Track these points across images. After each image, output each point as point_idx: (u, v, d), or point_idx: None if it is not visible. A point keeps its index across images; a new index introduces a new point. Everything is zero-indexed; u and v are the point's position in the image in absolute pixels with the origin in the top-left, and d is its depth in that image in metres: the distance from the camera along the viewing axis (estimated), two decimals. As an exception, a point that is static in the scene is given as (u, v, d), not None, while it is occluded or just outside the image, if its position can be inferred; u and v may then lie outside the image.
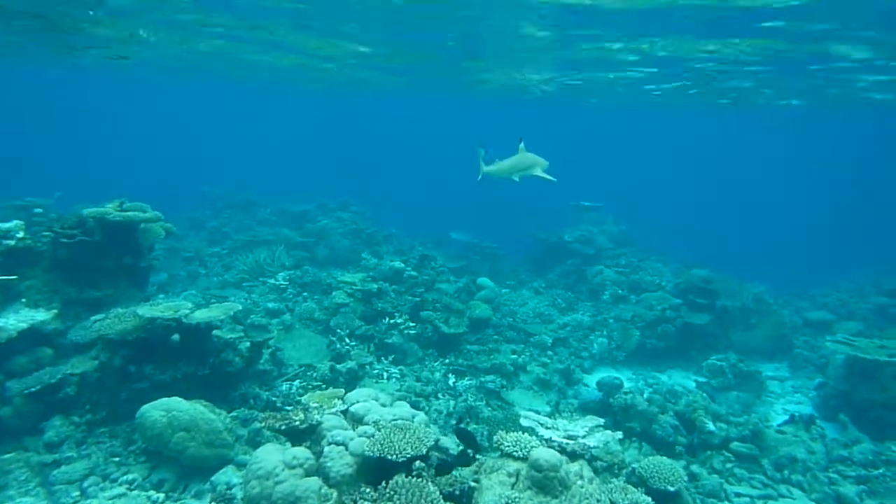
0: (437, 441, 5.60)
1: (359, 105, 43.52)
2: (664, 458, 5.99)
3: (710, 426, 7.89)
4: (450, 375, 10.01)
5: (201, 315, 7.59)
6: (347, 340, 10.05)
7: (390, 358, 9.97)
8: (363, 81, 24.43)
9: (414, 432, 5.28)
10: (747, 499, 7.00)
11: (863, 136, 37.08)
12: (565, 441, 5.43)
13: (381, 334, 10.41)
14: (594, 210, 19.51)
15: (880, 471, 7.42)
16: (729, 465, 7.53)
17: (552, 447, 5.38)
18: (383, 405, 5.89)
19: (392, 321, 10.71)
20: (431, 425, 8.04)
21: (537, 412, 9.03)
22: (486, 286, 13.58)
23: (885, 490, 6.95)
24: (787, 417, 8.76)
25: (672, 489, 5.68)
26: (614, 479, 5.93)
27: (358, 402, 5.76)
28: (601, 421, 6.05)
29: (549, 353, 11.71)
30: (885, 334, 12.49)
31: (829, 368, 10.58)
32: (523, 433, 5.39)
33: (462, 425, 7.11)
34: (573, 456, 5.24)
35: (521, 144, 8.71)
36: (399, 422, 5.48)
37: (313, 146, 61.53)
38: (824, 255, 24.61)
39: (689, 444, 7.87)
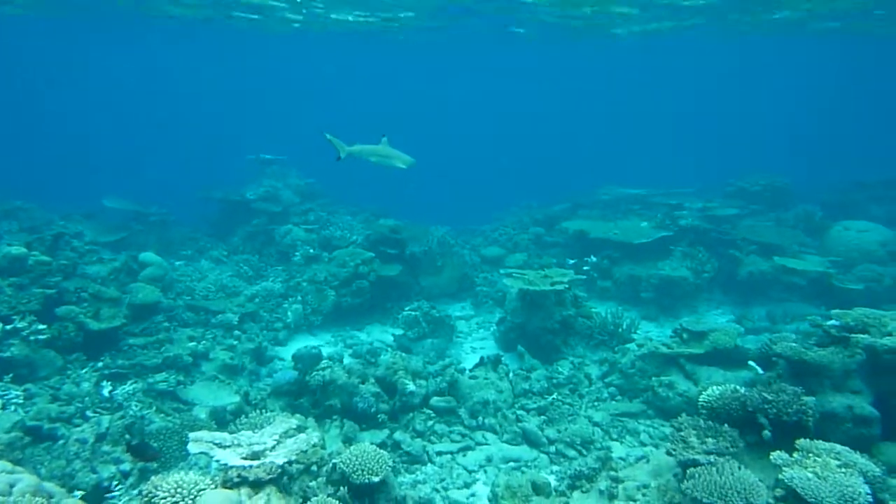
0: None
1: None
2: (366, 444, 5.33)
3: (411, 386, 7.62)
4: (105, 383, 7.91)
5: None
6: (-70, 368, 7.10)
7: (8, 377, 7.39)
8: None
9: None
10: (448, 456, 6.91)
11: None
12: (247, 464, 4.32)
13: (-7, 349, 7.67)
14: (276, 163, 18.03)
15: (553, 396, 8.10)
16: (430, 423, 7.37)
17: (230, 479, 4.23)
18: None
19: (10, 327, 7.97)
20: (67, 464, 6.10)
21: (224, 408, 7.72)
22: (153, 262, 11.33)
23: (559, 416, 7.58)
24: (477, 359, 9.05)
25: (377, 479, 5.06)
26: (312, 483, 5.07)
27: None
28: (293, 423, 5.09)
29: (237, 332, 10.30)
30: (543, 261, 14.14)
31: (506, 302, 11.41)
32: (188, 472, 4.09)
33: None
34: (257, 485, 4.17)
35: (385, 139, 9.95)
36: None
37: None
38: (495, 191, 26.36)
39: (392, 409, 7.50)
